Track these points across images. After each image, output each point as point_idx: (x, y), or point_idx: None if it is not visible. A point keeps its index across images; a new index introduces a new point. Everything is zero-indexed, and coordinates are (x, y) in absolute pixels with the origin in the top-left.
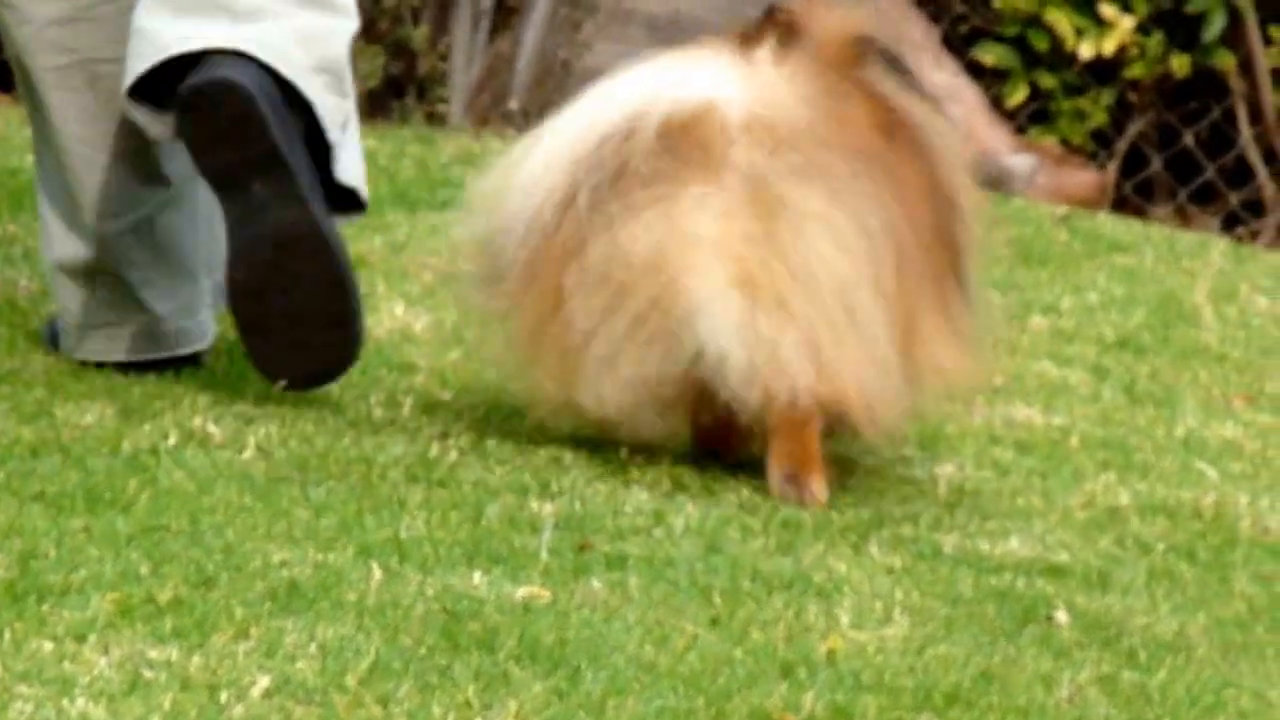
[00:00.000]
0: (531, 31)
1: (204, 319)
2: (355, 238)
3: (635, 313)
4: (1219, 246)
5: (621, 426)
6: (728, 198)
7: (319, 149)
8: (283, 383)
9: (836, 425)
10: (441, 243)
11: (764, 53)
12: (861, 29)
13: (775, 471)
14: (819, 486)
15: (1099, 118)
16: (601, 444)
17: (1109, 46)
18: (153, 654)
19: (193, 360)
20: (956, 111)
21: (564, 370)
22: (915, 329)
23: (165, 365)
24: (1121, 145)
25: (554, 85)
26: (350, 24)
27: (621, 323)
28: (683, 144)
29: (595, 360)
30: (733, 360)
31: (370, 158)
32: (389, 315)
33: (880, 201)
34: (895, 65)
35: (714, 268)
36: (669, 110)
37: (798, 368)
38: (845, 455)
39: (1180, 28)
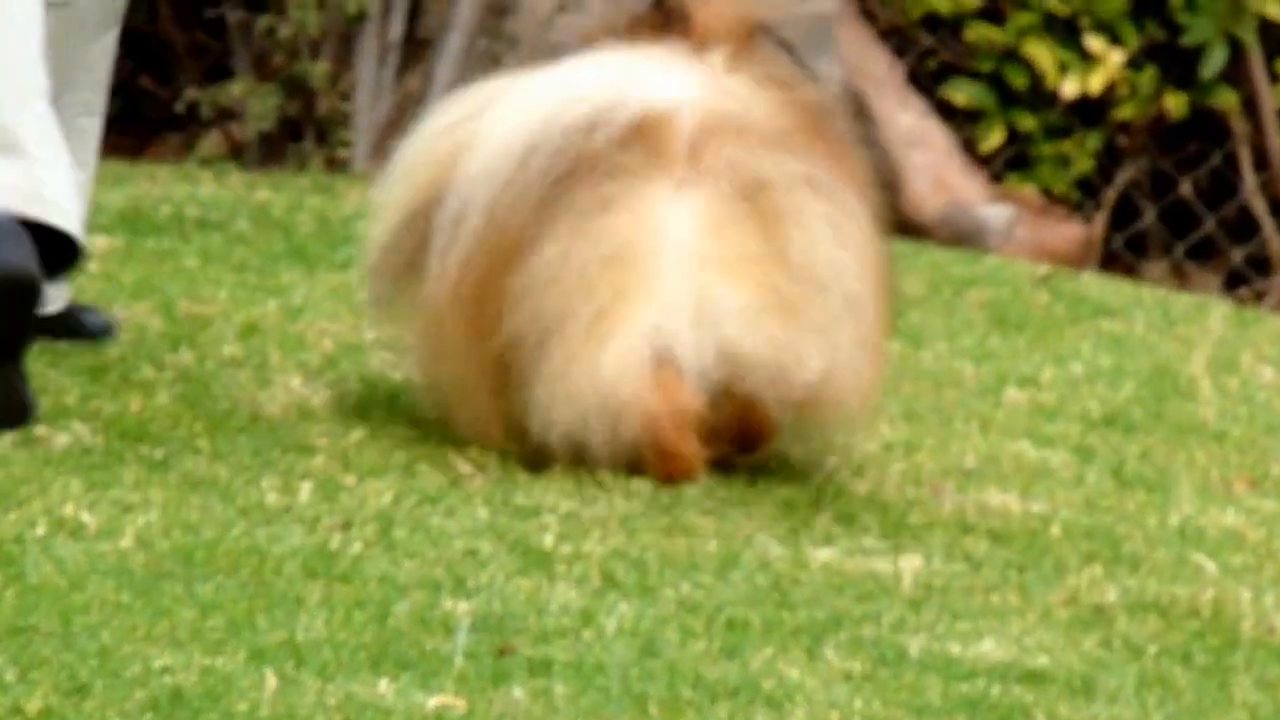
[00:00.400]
0: (445, 67)
1: None
2: (246, 301)
3: (597, 308)
4: (1219, 310)
5: (563, 449)
6: (705, 193)
7: None
8: None
9: (814, 418)
10: (344, 306)
11: (716, 55)
12: (751, 15)
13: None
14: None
15: (1084, 164)
16: (524, 533)
17: (1096, 84)
18: None
19: None
20: (924, 157)
21: (504, 387)
22: (877, 343)
23: None
24: (1110, 195)
25: None
26: None
27: (578, 325)
28: (652, 140)
29: (545, 375)
30: (713, 355)
31: (264, 210)
32: (284, 389)
33: (856, 195)
34: (786, 49)
35: (687, 263)
36: (637, 106)
37: (787, 360)
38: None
39: (1176, 63)
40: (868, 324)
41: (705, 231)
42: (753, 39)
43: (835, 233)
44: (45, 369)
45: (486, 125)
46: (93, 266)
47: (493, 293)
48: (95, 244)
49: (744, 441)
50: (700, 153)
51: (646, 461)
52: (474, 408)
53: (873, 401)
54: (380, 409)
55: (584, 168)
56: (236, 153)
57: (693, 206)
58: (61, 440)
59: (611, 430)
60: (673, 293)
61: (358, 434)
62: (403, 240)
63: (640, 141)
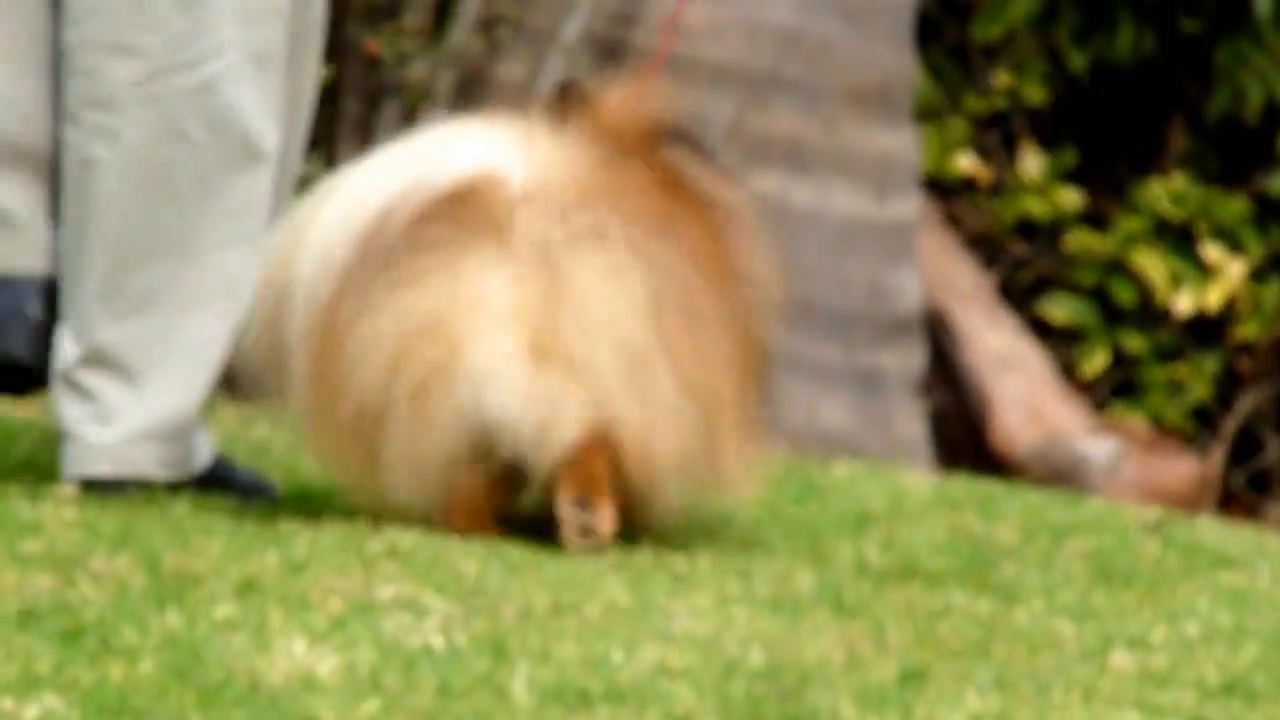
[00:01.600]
0: None
1: None
2: (242, 554)
3: (416, 381)
4: None
5: (422, 509)
6: (511, 263)
7: None
8: None
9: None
10: (354, 559)
11: (540, 123)
12: (654, 109)
13: (565, 501)
14: (608, 513)
15: (1200, 391)
16: None
17: (1213, 299)
18: None
19: None
20: (1017, 383)
21: (361, 454)
22: (720, 411)
23: None
24: (1229, 426)
25: None
26: None
27: (402, 393)
28: (464, 211)
29: (387, 440)
30: (519, 421)
31: (262, 449)
32: (286, 655)
33: (667, 263)
34: (692, 145)
35: (496, 331)
36: (450, 178)
37: (579, 414)
38: None
39: None
40: (658, 375)
41: (501, 296)
42: (654, 135)
43: (612, 282)
44: (13, 633)
45: (318, 209)
46: (68, 514)
47: (330, 372)
48: (69, 490)
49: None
50: (511, 220)
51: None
52: (347, 474)
53: (704, 461)
54: (395, 677)
55: (401, 242)
56: (229, 385)
57: (497, 274)
58: (32, 713)
59: (432, 505)
60: (473, 362)
61: (370, 706)
62: (264, 331)
63: (457, 213)
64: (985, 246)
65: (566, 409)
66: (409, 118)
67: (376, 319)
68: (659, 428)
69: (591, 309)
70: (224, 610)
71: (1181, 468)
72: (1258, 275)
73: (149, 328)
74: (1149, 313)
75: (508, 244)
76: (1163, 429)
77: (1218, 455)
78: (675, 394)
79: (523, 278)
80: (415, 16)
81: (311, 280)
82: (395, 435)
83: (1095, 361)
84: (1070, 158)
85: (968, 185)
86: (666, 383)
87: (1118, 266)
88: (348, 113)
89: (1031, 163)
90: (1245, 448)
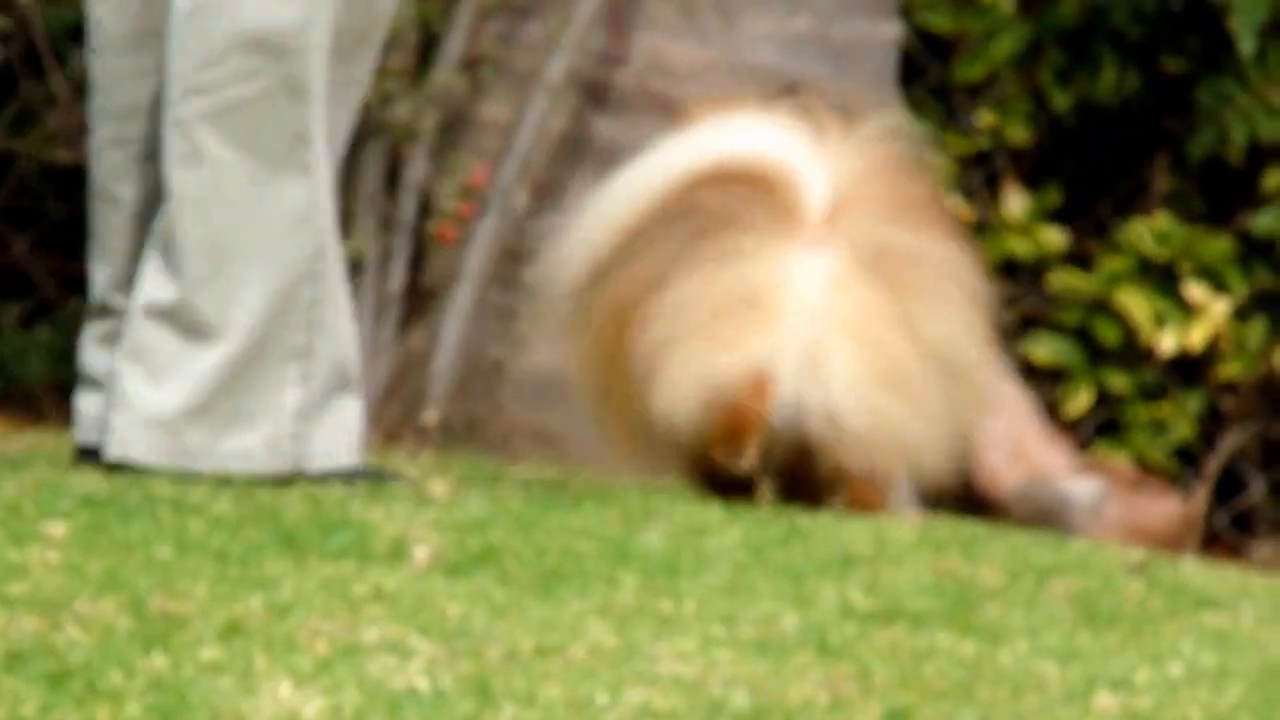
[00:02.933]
0: (453, 323)
1: None
2: (229, 597)
3: (717, 334)
4: None
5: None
6: (834, 255)
7: None
8: None
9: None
10: (339, 602)
11: (829, 124)
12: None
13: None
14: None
15: (1184, 430)
16: None
17: (1197, 338)
18: None
19: None
20: (1000, 423)
21: (632, 395)
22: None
23: None
24: (1213, 465)
25: (483, 391)
26: None
27: (698, 340)
28: (785, 200)
29: (662, 374)
30: (833, 419)
31: (247, 492)
32: (271, 698)
33: (971, 275)
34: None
35: (814, 318)
36: (771, 166)
37: (896, 438)
38: None
39: None
40: (973, 403)
41: (830, 291)
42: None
43: (953, 310)
44: (0, 676)
45: (627, 178)
46: (52, 557)
47: (629, 318)
48: (53, 531)
49: (804, 489)
50: (831, 217)
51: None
52: (609, 413)
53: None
54: (381, 719)
55: (718, 219)
56: None
57: (822, 266)
58: None
59: (701, 415)
60: (789, 339)
61: None
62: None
63: (773, 200)
64: None
65: (886, 428)
66: (392, 158)
67: (692, 283)
68: (942, 464)
69: (930, 333)
70: (209, 653)
71: (1165, 507)
72: (1241, 314)
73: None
74: (1133, 352)
75: (825, 240)
76: (1146, 469)
77: (1201, 495)
78: (958, 418)
79: (848, 279)
80: (398, 56)
81: (599, 242)
82: (678, 363)
83: (1079, 401)
84: (1054, 197)
85: None
86: (962, 406)
87: (1101, 306)
88: None
89: (1015, 202)
90: (1229, 487)
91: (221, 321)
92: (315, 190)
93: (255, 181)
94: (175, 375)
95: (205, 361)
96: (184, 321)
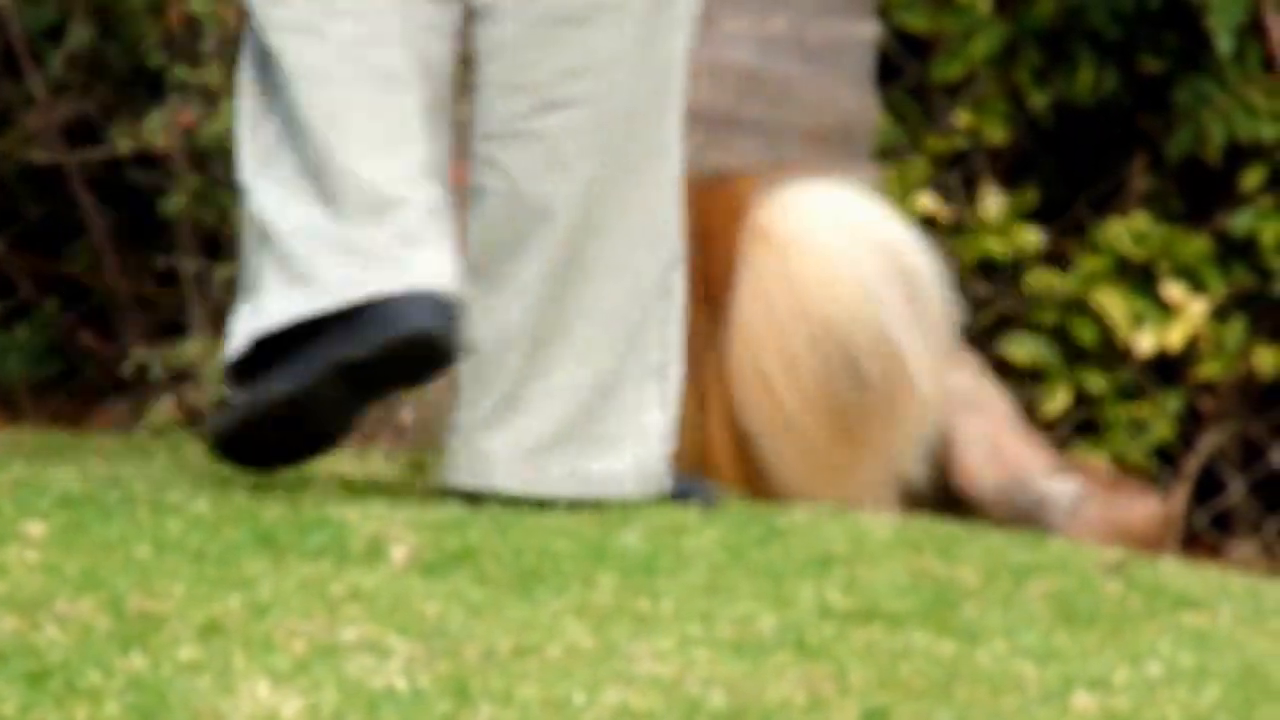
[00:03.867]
0: None
1: None
2: (207, 597)
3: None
4: None
5: None
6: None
7: None
8: None
9: None
10: (317, 602)
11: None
12: None
13: None
14: None
15: (1162, 430)
16: None
17: (1175, 338)
18: None
19: None
20: (978, 423)
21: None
22: None
23: None
24: (1192, 465)
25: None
26: None
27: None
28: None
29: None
30: None
31: (224, 491)
32: (249, 698)
33: None
34: None
35: None
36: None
37: None
38: None
39: (1268, 314)
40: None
41: None
42: None
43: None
44: None
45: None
46: (31, 556)
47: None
48: (32, 531)
49: None
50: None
51: None
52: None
53: None
54: (359, 718)
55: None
56: (192, 421)
57: None
58: None
59: None
60: None
61: None
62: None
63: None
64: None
65: None
66: None
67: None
68: None
69: None
70: (188, 652)
71: (1144, 507)
72: (1220, 314)
73: None
74: (1110, 352)
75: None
76: (1125, 469)
77: (1180, 495)
78: None
79: None
80: None
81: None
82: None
83: (1056, 401)
84: (1031, 197)
85: (928, 225)
86: None
87: (1079, 306)
88: None
89: (992, 202)
90: (1208, 487)
91: (584, 342)
92: (672, 202)
93: (620, 192)
94: (535, 400)
95: (569, 384)
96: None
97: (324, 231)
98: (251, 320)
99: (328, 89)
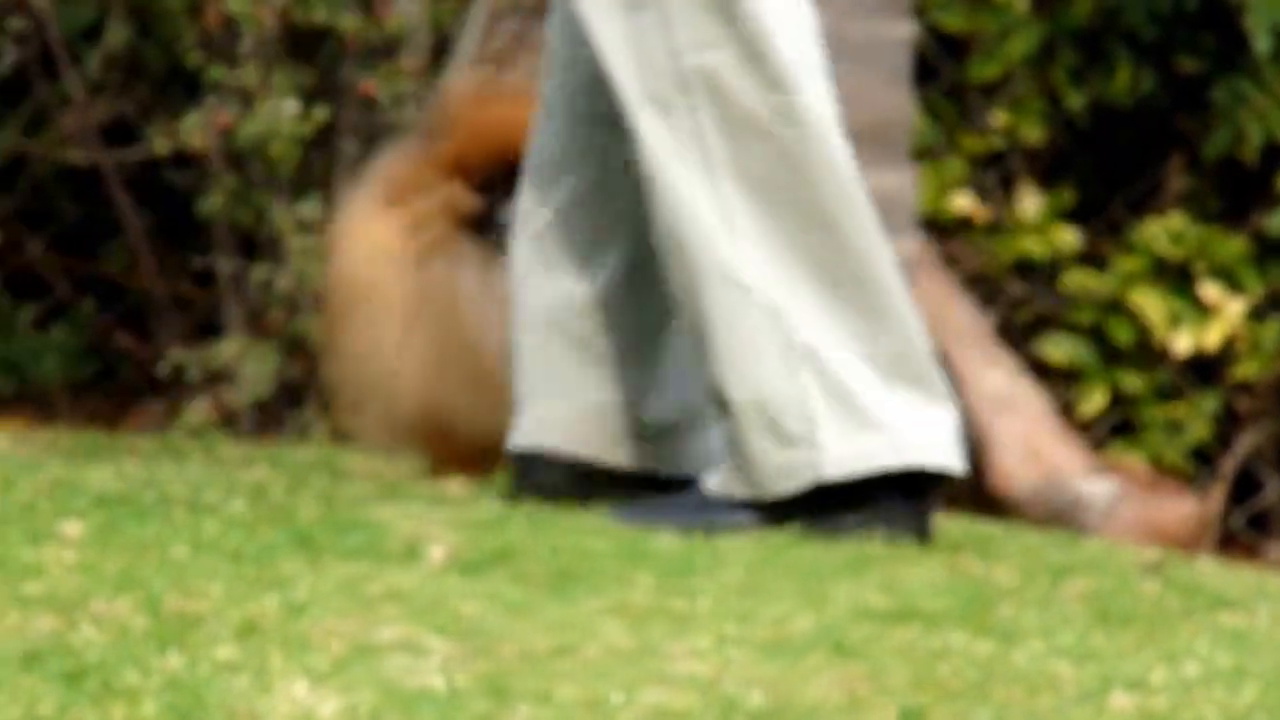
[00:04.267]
0: None
1: None
2: (243, 596)
3: None
4: None
5: None
6: None
7: None
8: None
9: None
10: (354, 602)
11: None
12: None
13: None
14: None
15: (1199, 430)
16: None
17: (1212, 338)
18: None
19: None
20: (1014, 423)
21: None
22: None
23: None
24: (1229, 465)
25: None
26: None
27: None
28: None
29: None
30: None
31: (261, 491)
32: (287, 697)
33: None
34: None
35: None
36: None
37: None
38: None
39: None
40: None
41: None
42: None
43: None
44: (15, 674)
45: None
46: (68, 556)
47: None
48: (69, 531)
49: None
50: None
51: None
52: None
53: None
54: (396, 718)
55: None
56: (228, 421)
57: None
58: None
59: None
60: None
61: None
62: None
63: None
64: (983, 286)
65: None
66: None
67: None
68: None
69: None
70: (225, 652)
71: (1180, 508)
72: (1257, 314)
73: None
74: (1147, 352)
75: None
76: (1161, 469)
77: (1217, 495)
78: None
79: None
80: (412, 57)
81: None
82: None
83: (1093, 401)
84: (1068, 197)
85: (965, 225)
86: None
87: (1116, 306)
88: (344, 154)
89: (1029, 202)
90: (1245, 487)
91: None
92: None
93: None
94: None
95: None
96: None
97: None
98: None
99: None
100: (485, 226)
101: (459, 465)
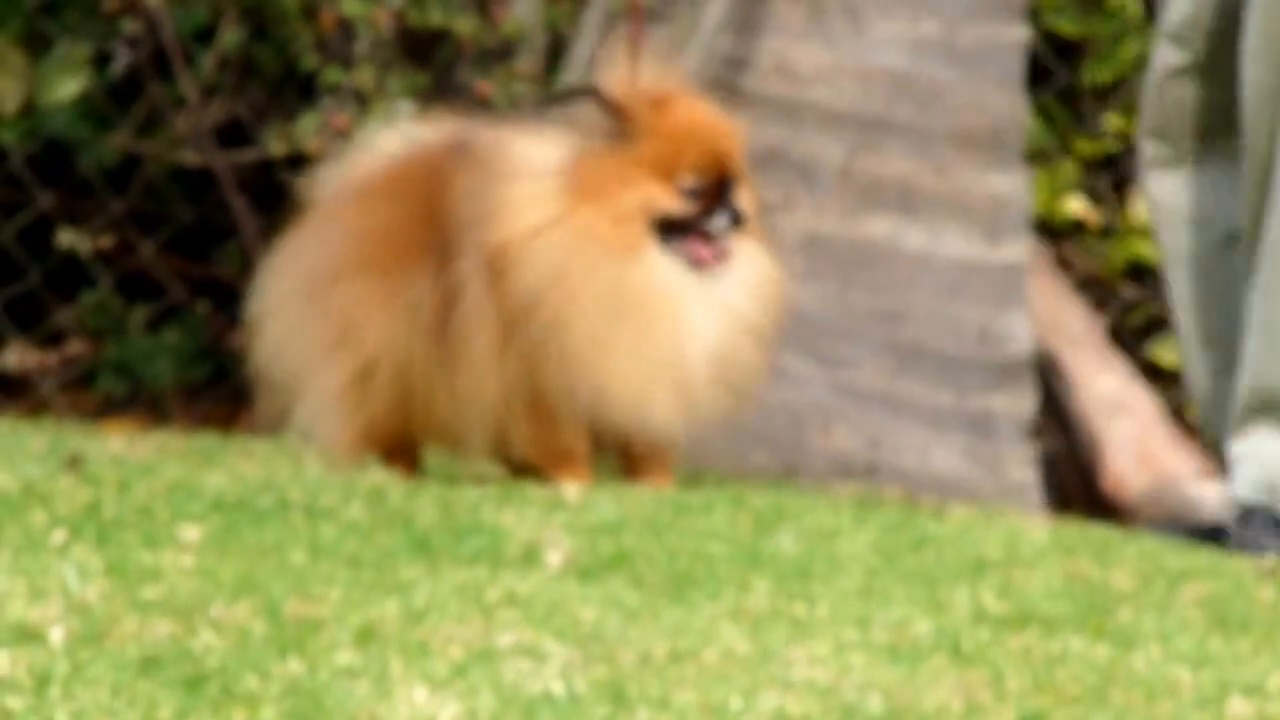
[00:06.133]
0: None
1: None
2: (363, 602)
3: None
4: None
5: None
6: None
7: None
8: None
9: None
10: (473, 607)
11: None
12: None
13: None
14: None
15: None
16: None
17: None
18: None
19: None
20: (1127, 426)
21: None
22: None
23: None
24: None
25: None
26: None
27: None
28: None
29: None
30: None
31: (379, 496)
32: (407, 703)
33: None
34: None
35: None
36: None
37: None
38: None
39: None
40: None
41: None
42: None
43: None
44: (134, 679)
45: None
46: (186, 561)
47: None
48: (187, 535)
49: None
50: None
51: None
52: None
53: None
54: None
55: None
56: None
57: None
58: None
59: None
60: None
61: None
62: None
63: None
64: (1095, 289)
65: None
66: None
67: None
68: None
69: None
70: (344, 657)
71: None
72: None
73: None
74: None
75: None
76: None
77: None
78: None
79: None
80: (527, 59)
81: None
82: None
83: None
84: None
85: (1078, 228)
86: None
87: None
88: None
89: (1142, 206)
90: None
91: None
92: None
93: None
94: None
95: None
96: None
97: None
98: None
99: None
100: (685, 230)
101: (647, 470)
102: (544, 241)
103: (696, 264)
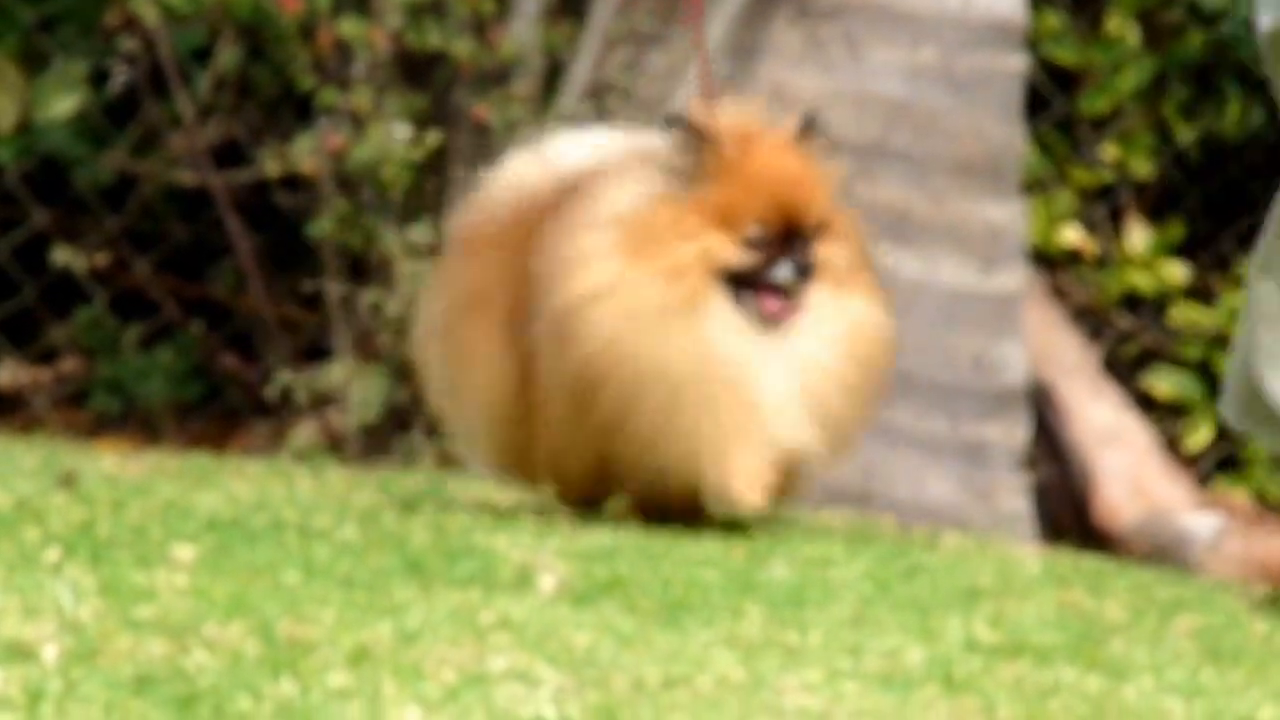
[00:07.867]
0: None
1: None
2: (355, 623)
3: None
4: None
5: None
6: None
7: None
8: None
9: None
10: (466, 630)
11: None
12: None
13: None
14: None
15: None
16: None
17: None
18: None
19: None
20: (1120, 457)
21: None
22: None
23: None
24: None
25: None
26: None
27: None
28: None
29: None
30: None
31: (372, 517)
32: None
33: None
34: None
35: None
36: None
37: None
38: None
39: None
40: None
41: None
42: None
43: None
44: (127, 698)
45: None
46: (179, 580)
47: None
48: (180, 555)
49: None
50: None
51: None
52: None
53: None
54: None
55: None
56: (334, 445)
57: None
58: None
59: None
60: None
61: None
62: None
63: None
64: (1090, 319)
65: None
66: None
67: None
68: None
69: None
70: (337, 679)
71: None
72: None
73: None
74: None
75: None
76: (1266, 504)
77: None
78: None
79: None
80: (524, 83)
81: None
82: None
83: (1199, 436)
84: (1177, 231)
85: (1074, 258)
86: None
87: (1223, 340)
88: (456, 180)
89: (1138, 236)
90: None
91: None
92: None
93: None
94: None
95: None
96: None
97: None
98: None
99: None
100: (750, 284)
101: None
102: (599, 307)
103: (765, 318)
